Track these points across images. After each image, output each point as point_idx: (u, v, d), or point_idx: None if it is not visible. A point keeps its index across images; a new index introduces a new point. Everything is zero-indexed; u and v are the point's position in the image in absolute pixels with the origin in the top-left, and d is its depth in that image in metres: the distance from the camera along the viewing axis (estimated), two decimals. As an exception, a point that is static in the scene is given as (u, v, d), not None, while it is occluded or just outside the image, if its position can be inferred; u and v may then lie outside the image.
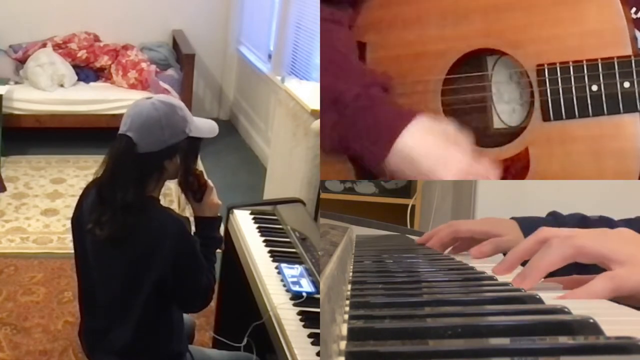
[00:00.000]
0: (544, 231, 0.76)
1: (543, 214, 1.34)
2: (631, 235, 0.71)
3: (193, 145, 1.67)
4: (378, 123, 1.20)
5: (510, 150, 1.27)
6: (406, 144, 1.19)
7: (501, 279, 0.80)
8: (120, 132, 1.59)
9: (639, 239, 0.70)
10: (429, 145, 1.20)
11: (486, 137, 1.31)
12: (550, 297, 0.68)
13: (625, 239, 0.70)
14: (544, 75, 1.22)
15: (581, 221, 1.25)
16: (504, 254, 0.96)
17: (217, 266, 2.08)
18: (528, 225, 1.22)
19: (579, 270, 0.75)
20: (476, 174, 1.22)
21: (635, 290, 0.65)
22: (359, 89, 1.22)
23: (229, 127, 5.31)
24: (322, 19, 1.28)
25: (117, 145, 1.58)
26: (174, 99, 1.70)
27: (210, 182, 1.75)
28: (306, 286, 1.73)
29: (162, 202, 1.68)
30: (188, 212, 1.78)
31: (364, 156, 1.24)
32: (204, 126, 1.70)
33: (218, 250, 1.76)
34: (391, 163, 1.20)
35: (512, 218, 1.26)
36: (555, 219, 1.28)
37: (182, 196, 1.76)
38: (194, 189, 1.71)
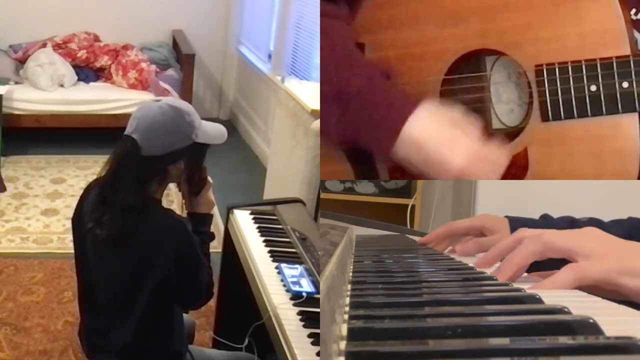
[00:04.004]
0: (521, 231, 0.85)
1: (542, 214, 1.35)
2: (597, 233, 0.79)
3: (199, 151, 1.66)
4: (384, 111, 1.19)
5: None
6: (413, 130, 1.18)
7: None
8: (125, 133, 1.58)
9: (604, 237, 0.78)
10: (436, 130, 1.19)
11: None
12: (564, 293, 0.71)
13: (591, 236, 0.78)
14: (543, 76, 1.22)
15: (571, 224, 1.27)
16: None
17: (217, 266, 2.08)
18: (517, 225, 1.24)
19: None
20: (485, 158, 1.21)
21: (598, 280, 0.71)
22: (363, 80, 1.21)
23: (229, 127, 5.26)
24: (322, 14, 1.28)
25: (121, 146, 1.58)
26: (183, 103, 1.68)
27: (210, 178, 1.75)
28: (306, 286, 1.73)
29: (162, 203, 1.68)
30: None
31: (372, 146, 1.23)
32: (211, 132, 1.68)
33: (218, 250, 1.77)
34: (399, 151, 1.19)
35: (506, 217, 1.28)
36: (545, 221, 1.31)
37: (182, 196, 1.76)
38: (194, 182, 1.71)
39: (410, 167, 1.23)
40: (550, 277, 0.73)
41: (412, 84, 1.30)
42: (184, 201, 1.74)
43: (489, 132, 1.26)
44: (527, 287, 0.73)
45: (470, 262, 1.05)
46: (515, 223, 1.25)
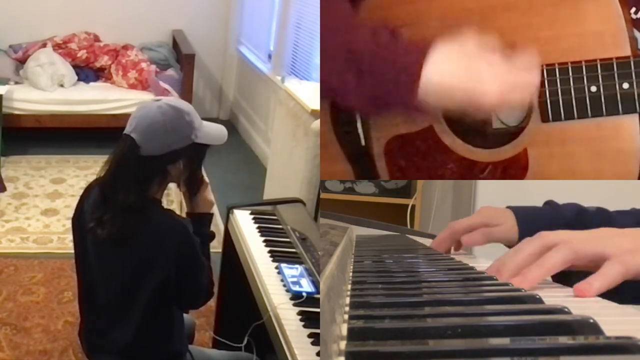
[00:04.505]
0: (545, 236, 0.79)
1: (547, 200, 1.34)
2: (615, 231, 0.78)
3: (198, 151, 1.65)
4: (398, 64, 1.16)
5: (509, 151, 1.27)
6: (434, 75, 1.15)
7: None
8: (125, 132, 1.58)
9: (621, 232, 0.77)
10: (458, 69, 1.15)
11: (485, 138, 1.31)
12: (564, 294, 0.72)
13: (613, 234, 0.77)
14: (543, 76, 1.22)
15: (579, 212, 1.26)
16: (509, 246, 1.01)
17: (217, 266, 2.08)
18: (523, 214, 1.23)
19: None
20: (515, 80, 1.16)
21: None
22: (367, 36, 1.19)
23: (229, 127, 5.25)
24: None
25: (121, 146, 1.57)
26: (184, 103, 1.67)
27: (206, 178, 1.75)
28: (306, 286, 1.73)
29: (162, 203, 1.68)
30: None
31: (398, 102, 1.19)
32: (212, 132, 1.68)
33: (218, 250, 1.76)
34: (426, 98, 1.16)
35: (508, 207, 1.26)
36: (551, 209, 1.29)
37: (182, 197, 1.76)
38: (192, 183, 1.71)
39: (443, 108, 1.19)
40: (598, 273, 0.71)
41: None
42: (182, 201, 1.74)
43: (511, 46, 1.19)
44: (568, 289, 0.72)
45: (470, 262, 1.05)
46: (521, 213, 1.23)
